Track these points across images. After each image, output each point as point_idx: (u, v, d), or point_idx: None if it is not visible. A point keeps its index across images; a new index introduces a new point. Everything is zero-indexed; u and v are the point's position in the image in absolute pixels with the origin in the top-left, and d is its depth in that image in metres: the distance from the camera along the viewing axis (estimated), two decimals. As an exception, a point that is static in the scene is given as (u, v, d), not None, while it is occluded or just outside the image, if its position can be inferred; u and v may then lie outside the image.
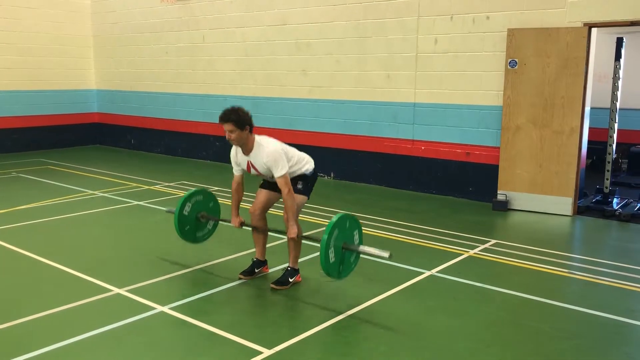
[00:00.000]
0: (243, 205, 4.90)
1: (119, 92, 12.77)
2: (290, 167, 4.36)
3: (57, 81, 12.53)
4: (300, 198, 4.48)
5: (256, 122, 9.91)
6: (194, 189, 5.05)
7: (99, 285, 4.53)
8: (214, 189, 8.33)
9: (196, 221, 5.00)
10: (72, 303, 4.16)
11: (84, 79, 13.07)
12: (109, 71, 12.89)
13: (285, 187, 4.24)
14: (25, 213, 6.84)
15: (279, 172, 4.23)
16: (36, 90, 12.20)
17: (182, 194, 7.99)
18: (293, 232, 4.31)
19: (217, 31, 10.52)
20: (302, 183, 4.53)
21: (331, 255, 3.96)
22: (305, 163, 4.56)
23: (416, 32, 8.05)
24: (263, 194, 4.63)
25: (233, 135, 4.23)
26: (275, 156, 4.23)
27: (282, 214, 4.43)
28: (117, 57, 12.61)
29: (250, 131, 4.29)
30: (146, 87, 12.09)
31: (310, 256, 5.23)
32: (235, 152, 4.48)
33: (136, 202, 7.45)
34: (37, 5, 11.96)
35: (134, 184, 8.66)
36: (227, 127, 4.21)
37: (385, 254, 3.98)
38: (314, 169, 4.65)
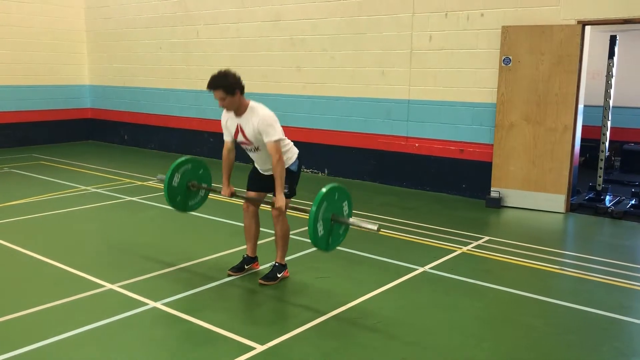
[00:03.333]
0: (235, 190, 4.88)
1: (112, 87, 12.70)
2: (283, 147, 4.23)
3: (49, 76, 12.44)
4: (287, 201, 4.30)
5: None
6: (181, 158, 4.81)
7: (91, 281, 4.51)
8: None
9: (187, 190, 4.82)
10: (65, 299, 4.15)
11: (77, 74, 12.98)
12: (102, 66, 12.82)
13: (276, 154, 4.08)
14: (17, 209, 6.80)
15: (271, 137, 4.07)
16: (29, 85, 12.11)
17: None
18: (281, 200, 4.14)
19: (211, 27, 10.48)
20: (288, 186, 4.34)
21: (320, 228, 3.84)
22: (293, 151, 4.42)
23: (411, 29, 8.05)
24: (252, 193, 4.55)
25: (224, 102, 4.12)
26: (269, 121, 4.10)
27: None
28: (110, 52, 12.54)
29: (242, 93, 4.16)
30: (140, 83, 12.04)
31: (301, 253, 5.23)
32: (227, 117, 4.34)
33: (129, 198, 7.43)
34: (30, 0, 11.87)
35: (127, 180, 8.63)
36: (217, 94, 4.07)
37: (374, 227, 3.84)
38: (299, 163, 4.50)
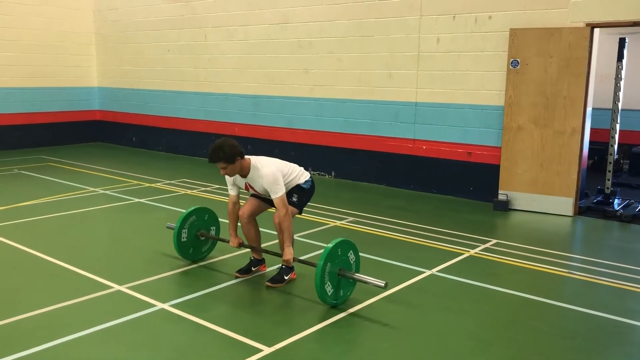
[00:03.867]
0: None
1: (121, 89, 12.78)
2: (288, 181, 4.46)
3: (58, 78, 12.53)
4: (291, 209, 4.50)
5: (257, 121, 9.93)
6: (185, 212, 4.98)
7: (99, 282, 4.53)
8: (214, 186, 8.34)
9: (197, 240, 5.02)
10: (73, 300, 4.17)
11: (86, 77, 13.07)
12: (111, 69, 12.90)
13: (282, 208, 4.28)
14: (26, 210, 6.85)
15: (276, 194, 4.28)
16: (38, 87, 12.20)
17: (183, 191, 8.02)
18: (288, 254, 4.35)
19: (219, 29, 10.52)
20: (297, 196, 4.57)
21: (328, 289, 4.00)
22: (303, 175, 4.63)
23: (418, 32, 8.05)
24: (254, 200, 4.66)
25: (226, 171, 4.28)
26: (272, 179, 4.26)
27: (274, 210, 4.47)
28: (118, 54, 12.62)
29: (242, 158, 4.29)
30: (148, 85, 12.10)
31: (307, 255, 5.23)
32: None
33: (137, 200, 7.46)
34: (39, 3, 11.96)
35: (135, 182, 8.66)
36: (219, 165, 4.26)
37: (381, 283, 3.99)
38: (312, 184, 4.70)
